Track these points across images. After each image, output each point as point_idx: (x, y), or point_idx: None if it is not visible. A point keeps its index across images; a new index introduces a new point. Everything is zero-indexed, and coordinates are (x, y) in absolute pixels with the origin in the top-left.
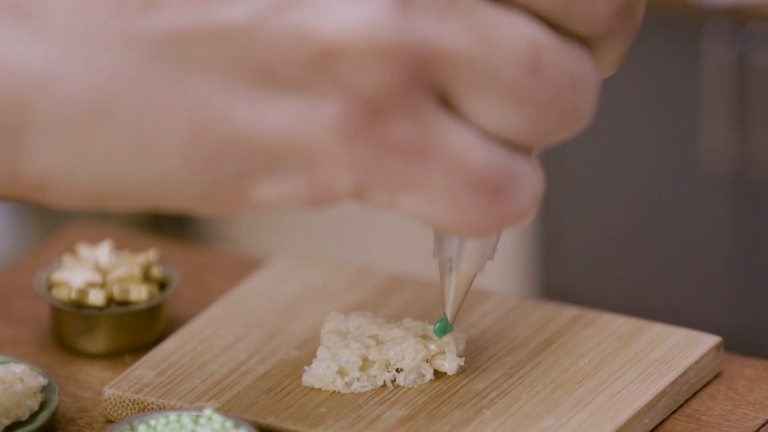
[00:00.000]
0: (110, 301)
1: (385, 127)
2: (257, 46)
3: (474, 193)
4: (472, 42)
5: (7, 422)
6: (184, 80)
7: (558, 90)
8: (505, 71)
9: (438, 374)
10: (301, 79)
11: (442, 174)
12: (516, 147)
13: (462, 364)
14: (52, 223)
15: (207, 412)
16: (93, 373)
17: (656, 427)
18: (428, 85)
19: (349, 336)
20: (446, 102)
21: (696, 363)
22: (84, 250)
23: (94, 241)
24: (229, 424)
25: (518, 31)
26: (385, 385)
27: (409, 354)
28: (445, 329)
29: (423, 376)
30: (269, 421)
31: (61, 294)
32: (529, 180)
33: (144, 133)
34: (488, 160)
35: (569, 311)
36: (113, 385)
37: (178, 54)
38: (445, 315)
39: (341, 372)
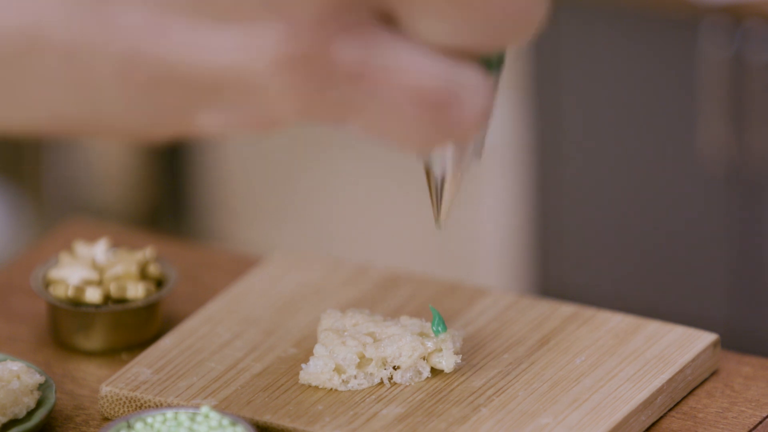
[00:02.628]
0: (107, 298)
1: (327, 53)
2: None
3: (418, 109)
4: None
5: (3, 420)
6: (116, 13)
7: None
8: None
9: (435, 372)
10: (239, 8)
11: (386, 93)
12: (463, 57)
13: (459, 361)
14: (49, 220)
15: (204, 409)
16: (90, 370)
17: (653, 424)
18: (368, 5)
19: (346, 333)
20: (387, 19)
21: (693, 360)
22: (81, 248)
23: (91, 238)
24: (225, 421)
25: None
26: (382, 382)
27: (406, 351)
28: (441, 326)
29: (420, 373)
30: (266, 418)
31: (58, 291)
32: (474, 92)
33: (77, 67)
34: (431, 76)
35: (566, 309)
36: (110, 383)
37: None
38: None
39: (338, 369)
